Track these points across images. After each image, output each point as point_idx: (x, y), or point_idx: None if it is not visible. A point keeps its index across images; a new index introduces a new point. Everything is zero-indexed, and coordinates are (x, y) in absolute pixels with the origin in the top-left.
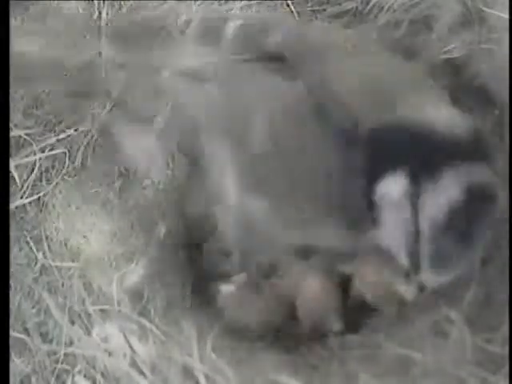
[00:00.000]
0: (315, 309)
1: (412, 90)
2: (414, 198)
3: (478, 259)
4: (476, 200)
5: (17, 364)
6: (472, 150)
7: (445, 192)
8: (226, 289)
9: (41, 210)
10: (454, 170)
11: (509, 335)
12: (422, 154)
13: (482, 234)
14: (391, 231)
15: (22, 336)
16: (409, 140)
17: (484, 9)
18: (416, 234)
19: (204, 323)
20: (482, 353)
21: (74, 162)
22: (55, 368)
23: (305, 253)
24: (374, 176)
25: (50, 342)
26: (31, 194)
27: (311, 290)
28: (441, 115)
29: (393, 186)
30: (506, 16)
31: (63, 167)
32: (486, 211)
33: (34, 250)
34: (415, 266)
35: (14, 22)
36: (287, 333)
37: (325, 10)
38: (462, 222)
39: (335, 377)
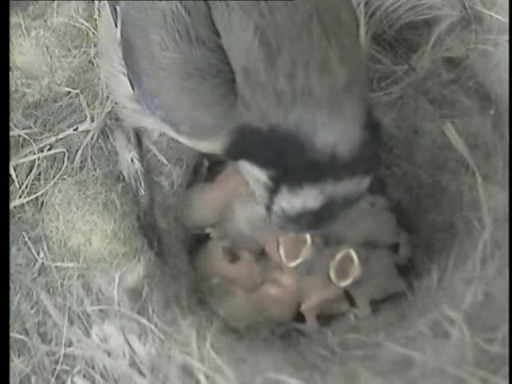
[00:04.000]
0: None
1: None
2: (275, 188)
3: None
4: (335, 208)
5: (16, 364)
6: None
7: (302, 201)
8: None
9: (39, 210)
10: (319, 189)
11: (509, 335)
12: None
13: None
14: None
15: (22, 336)
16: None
17: (482, 10)
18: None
19: (203, 322)
20: (482, 353)
21: (72, 162)
22: (55, 368)
23: None
24: None
25: (49, 342)
26: (30, 194)
27: None
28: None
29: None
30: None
31: (61, 167)
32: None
33: (33, 250)
34: None
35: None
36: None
37: None
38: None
39: (335, 377)
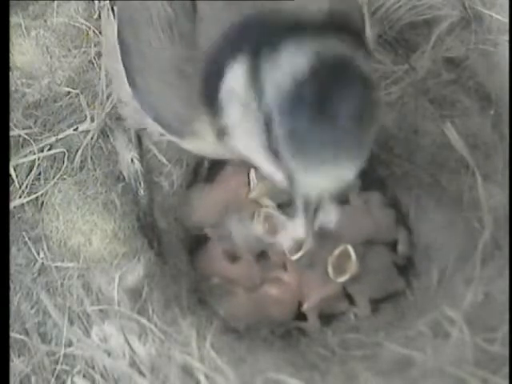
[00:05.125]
0: None
1: None
2: (256, 74)
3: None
4: (330, 70)
5: (16, 364)
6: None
7: (288, 63)
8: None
9: (39, 210)
10: (298, 41)
11: (509, 335)
12: (262, 31)
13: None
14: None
15: (22, 336)
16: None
17: (482, 10)
18: (267, 123)
19: (203, 322)
20: (482, 353)
21: (72, 162)
22: (55, 368)
23: None
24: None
25: (49, 342)
26: (30, 194)
27: None
28: None
29: (235, 79)
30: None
31: (61, 167)
32: (345, 81)
33: (33, 250)
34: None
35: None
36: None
37: None
38: (315, 94)
39: (335, 377)
